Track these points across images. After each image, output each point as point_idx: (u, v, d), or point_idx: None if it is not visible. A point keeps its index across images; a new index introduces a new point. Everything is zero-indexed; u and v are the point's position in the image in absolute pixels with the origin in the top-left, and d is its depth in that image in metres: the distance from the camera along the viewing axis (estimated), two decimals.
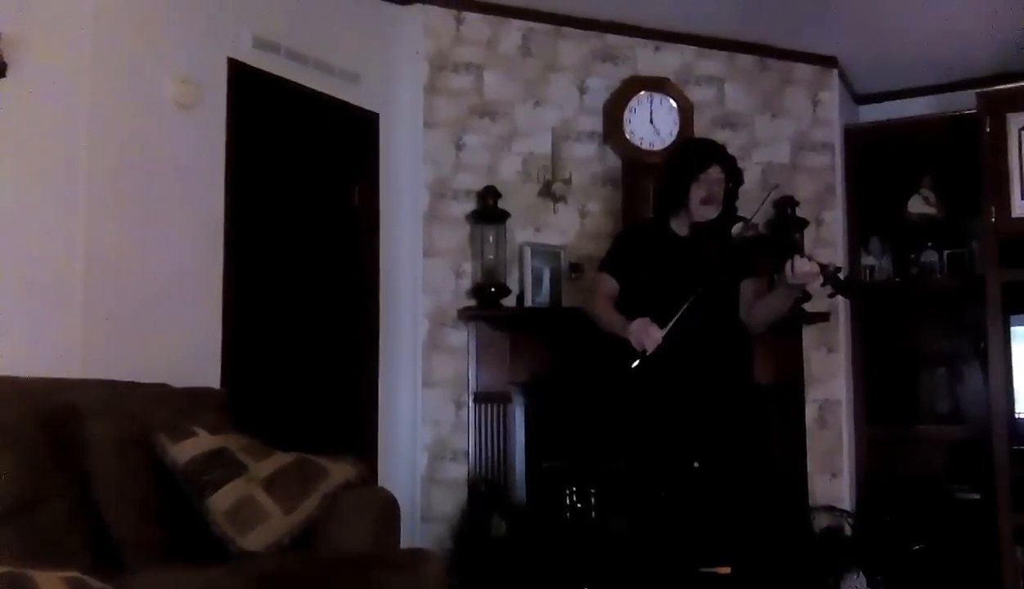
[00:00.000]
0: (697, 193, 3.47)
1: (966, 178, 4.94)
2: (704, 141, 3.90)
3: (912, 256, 5.47)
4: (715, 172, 3.48)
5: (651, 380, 3.41)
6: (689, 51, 5.12)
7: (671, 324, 3.19)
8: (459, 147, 4.69)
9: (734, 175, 3.54)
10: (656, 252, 3.53)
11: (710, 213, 3.47)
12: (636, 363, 3.21)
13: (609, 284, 3.58)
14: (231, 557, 2.83)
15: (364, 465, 3.35)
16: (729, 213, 3.49)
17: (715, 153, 3.55)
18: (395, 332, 4.58)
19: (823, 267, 3.17)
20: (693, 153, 3.61)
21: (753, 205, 3.52)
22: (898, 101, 5.76)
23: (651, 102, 4.97)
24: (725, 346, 3.46)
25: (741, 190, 3.62)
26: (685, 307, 3.19)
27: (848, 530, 4.90)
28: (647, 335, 3.20)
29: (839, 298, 3.93)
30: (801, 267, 3.15)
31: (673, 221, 3.57)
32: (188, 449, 2.95)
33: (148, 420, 3.00)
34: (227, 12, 3.87)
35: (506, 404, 4.58)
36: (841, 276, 3.26)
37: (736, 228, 3.34)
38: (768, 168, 5.16)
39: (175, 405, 3.18)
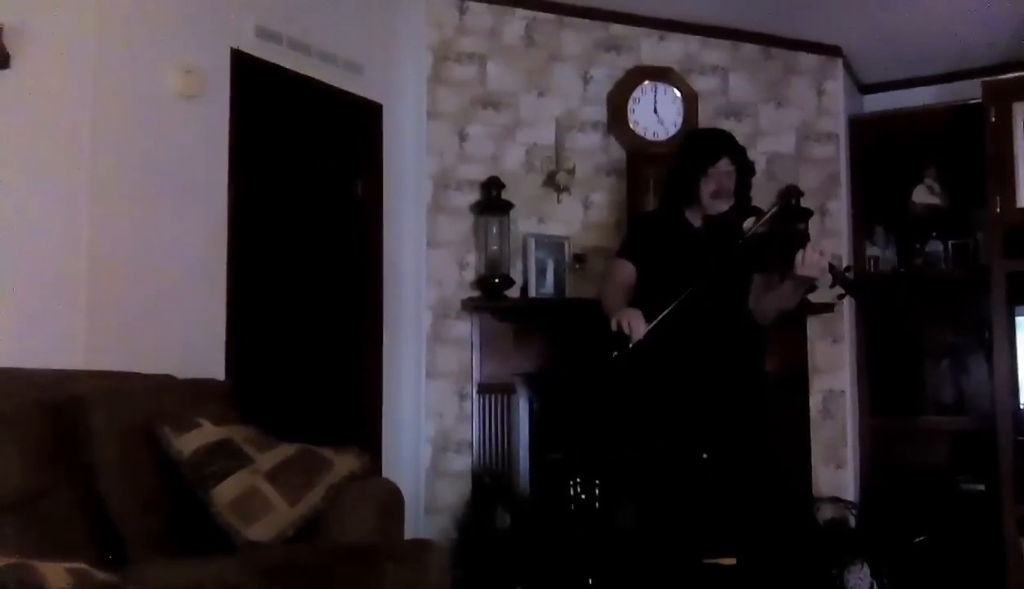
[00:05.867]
0: (707, 187, 3.43)
1: (971, 168, 4.93)
2: (712, 132, 3.81)
3: (917, 246, 5.46)
4: (724, 165, 3.44)
5: (662, 371, 3.41)
6: (693, 40, 5.11)
7: (656, 320, 3.14)
8: (462, 137, 4.68)
9: (744, 166, 3.51)
10: (671, 244, 3.50)
11: (721, 206, 3.44)
12: (616, 354, 3.15)
13: (626, 270, 3.54)
14: (236, 548, 2.83)
15: (368, 456, 3.33)
16: (742, 204, 3.46)
17: (723, 145, 3.49)
18: (399, 323, 4.58)
19: (832, 266, 3.14)
20: (701, 146, 3.54)
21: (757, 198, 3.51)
22: (903, 91, 5.75)
23: (655, 92, 4.96)
24: (737, 338, 3.45)
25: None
26: (673, 306, 3.15)
27: (852, 521, 4.90)
28: (630, 325, 3.14)
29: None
30: (811, 259, 3.12)
31: (688, 212, 3.55)
32: (192, 440, 2.95)
33: (152, 411, 2.99)
34: (230, 2, 3.86)
35: (510, 395, 4.57)
36: (849, 275, 3.24)
37: (747, 223, 3.30)
38: (773, 158, 5.15)
39: (179, 396, 3.17)
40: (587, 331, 3.60)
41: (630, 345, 3.14)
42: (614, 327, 3.18)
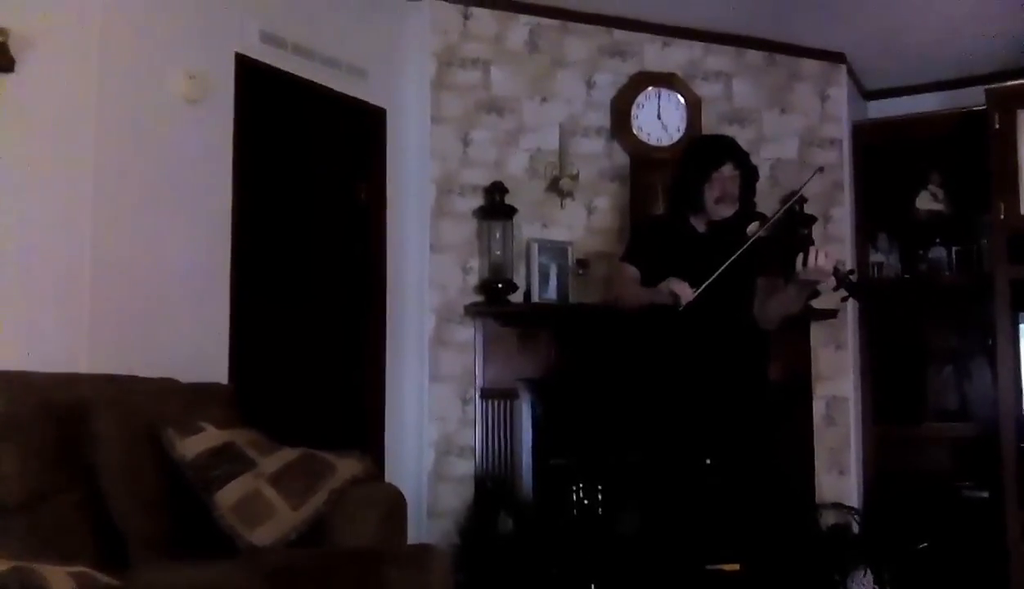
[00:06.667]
0: (711, 192, 3.45)
1: (975, 174, 4.94)
2: (715, 138, 3.83)
3: (920, 253, 5.46)
4: (728, 170, 3.45)
5: (666, 374, 3.41)
6: (697, 46, 5.11)
7: (704, 286, 3.19)
8: (466, 143, 4.68)
9: (748, 171, 3.52)
10: (676, 249, 3.51)
11: (726, 211, 3.45)
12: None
13: (630, 273, 3.56)
14: (238, 552, 2.83)
15: (371, 461, 3.33)
16: (746, 209, 3.46)
17: (727, 151, 3.51)
18: (402, 328, 4.58)
19: (835, 269, 3.15)
20: (704, 152, 3.56)
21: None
22: (907, 97, 5.76)
23: (659, 98, 4.97)
24: (741, 343, 3.45)
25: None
26: (719, 272, 3.18)
27: (855, 527, 4.89)
28: (681, 290, 3.20)
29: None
30: (814, 262, 3.13)
31: (692, 218, 3.55)
32: (195, 444, 2.95)
33: (155, 415, 3.00)
34: (234, 7, 3.87)
35: (513, 400, 4.57)
36: (853, 277, 3.25)
37: (751, 227, 3.31)
38: (776, 164, 5.14)
39: (182, 400, 3.17)
40: (590, 336, 3.60)
41: (680, 308, 3.20)
42: (670, 295, 3.23)
